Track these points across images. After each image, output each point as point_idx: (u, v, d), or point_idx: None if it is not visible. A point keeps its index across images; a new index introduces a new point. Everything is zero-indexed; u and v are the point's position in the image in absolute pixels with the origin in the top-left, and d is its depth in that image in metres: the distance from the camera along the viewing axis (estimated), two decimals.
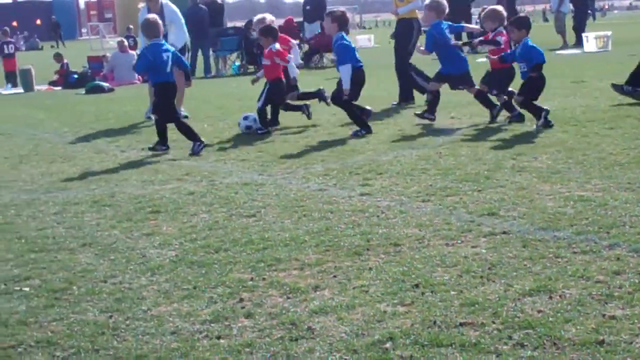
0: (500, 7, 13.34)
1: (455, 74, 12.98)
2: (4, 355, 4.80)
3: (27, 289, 5.98)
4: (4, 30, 30.43)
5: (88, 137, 13.12)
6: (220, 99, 19.01)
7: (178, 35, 15.30)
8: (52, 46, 68.68)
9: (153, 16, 12.55)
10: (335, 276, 5.84)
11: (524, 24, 11.99)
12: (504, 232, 6.63)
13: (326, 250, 6.48)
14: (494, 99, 12.65)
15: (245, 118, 13.25)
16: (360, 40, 42.33)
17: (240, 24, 37.91)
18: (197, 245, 6.85)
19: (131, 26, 43.47)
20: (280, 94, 13.35)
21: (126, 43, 26.78)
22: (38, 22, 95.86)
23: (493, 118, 12.58)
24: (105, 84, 23.47)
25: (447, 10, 13.30)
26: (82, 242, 7.19)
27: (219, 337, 4.85)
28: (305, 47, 29.18)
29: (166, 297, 5.61)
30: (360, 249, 6.42)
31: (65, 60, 27.97)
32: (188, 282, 5.88)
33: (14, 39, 34.79)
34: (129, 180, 9.82)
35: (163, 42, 12.19)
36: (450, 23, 13.44)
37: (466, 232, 6.72)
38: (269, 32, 13.46)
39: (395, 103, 15.49)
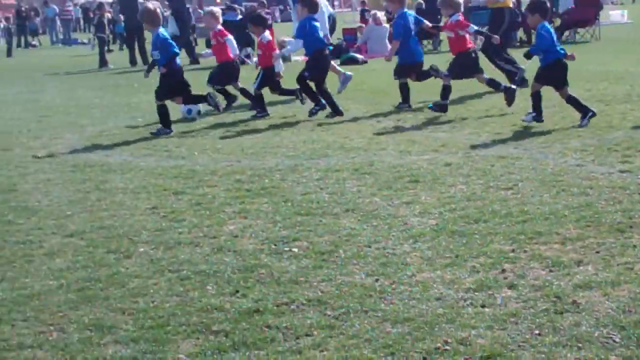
0: None
1: (411, 63, 13.40)
2: (277, 312, 5.10)
3: (295, 249, 6.32)
4: (260, 3, 31.57)
5: (344, 107, 13.40)
6: None
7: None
8: None
9: (154, 4, 12.75)
10: (598, 252, 5.82)
11: (536, 8, 11.23)
12: None
13: (587, 225, 6.45)
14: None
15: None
16: (613, 15, 39.86)
17: None
18: (456, 215, 6.97)
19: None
20: (273, 81, 13.71)
21: (379, 15, 27.02)
22: None
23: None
24: (359, 56, 23.78)
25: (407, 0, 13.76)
26: (344, 207, 7.48)
27: (483, 306, 4.97)
28: (558, 21, 28.34)
29: (429, 264, 5.78)
30: (623, 226, 6.34)
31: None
32: (450, 251, 6.03)
33: (270, 11, 36.02)
34: (387, 150, 10.05)
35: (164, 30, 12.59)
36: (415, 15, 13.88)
37: None
38: (260, 21, 14.00)
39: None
